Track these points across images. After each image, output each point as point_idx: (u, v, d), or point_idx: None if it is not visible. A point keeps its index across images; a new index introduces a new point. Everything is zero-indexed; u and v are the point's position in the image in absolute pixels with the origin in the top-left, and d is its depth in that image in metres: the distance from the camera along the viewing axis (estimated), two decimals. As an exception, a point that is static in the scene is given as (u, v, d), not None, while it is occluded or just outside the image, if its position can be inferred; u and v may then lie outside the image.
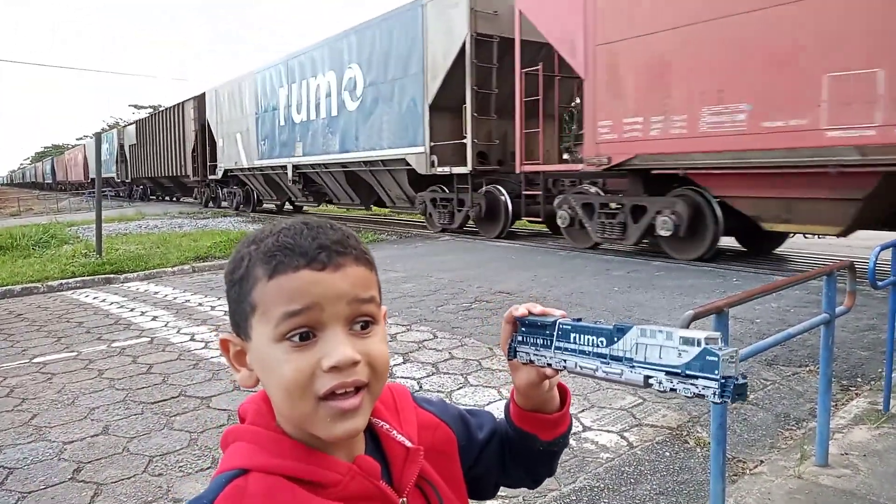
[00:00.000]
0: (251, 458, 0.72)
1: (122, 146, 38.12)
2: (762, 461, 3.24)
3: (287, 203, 22.78)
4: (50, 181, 70.24)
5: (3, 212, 35.99)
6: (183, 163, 26.69)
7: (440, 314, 6.18)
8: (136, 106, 72.18)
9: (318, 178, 17.78)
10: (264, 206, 23.87)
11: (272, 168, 19.63)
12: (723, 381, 0.64)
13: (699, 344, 0.66)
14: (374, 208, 18.78)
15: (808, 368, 4.47)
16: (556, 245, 11.12)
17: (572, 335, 0.81)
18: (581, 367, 0.79)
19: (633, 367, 0.72)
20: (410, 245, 11.94)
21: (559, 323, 0.83)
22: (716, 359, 0.64)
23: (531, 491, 2.93)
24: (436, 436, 0.90)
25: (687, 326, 2.18)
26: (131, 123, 36.42)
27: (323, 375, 0.70)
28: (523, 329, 0.88)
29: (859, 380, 4.24)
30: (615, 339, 0.75)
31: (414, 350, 5.03)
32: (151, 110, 50.50)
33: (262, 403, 0.79)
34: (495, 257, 9.81)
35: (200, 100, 24.51)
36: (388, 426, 0.83)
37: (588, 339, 0.78)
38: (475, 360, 4.71)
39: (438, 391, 4.20)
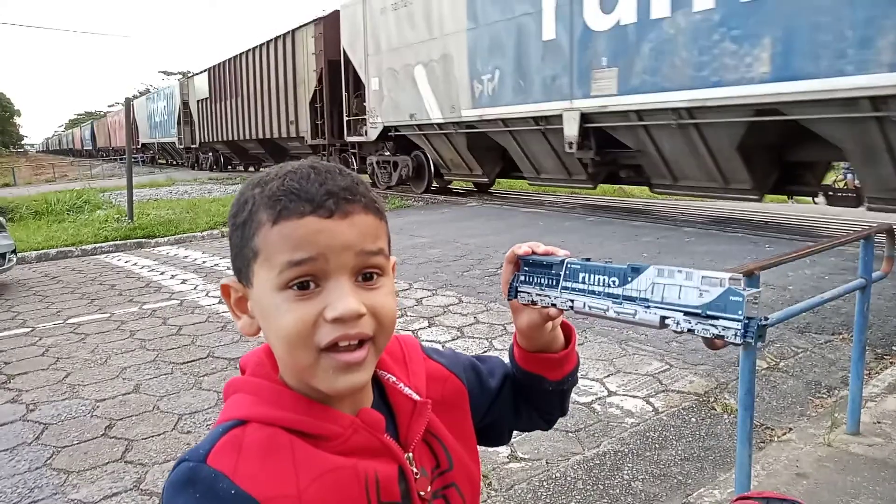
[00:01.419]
0: (250, 408, 0.70)
1: (185, 103, 30.78)
2: (791, 428, 3.19)
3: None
4: (90, 147, 66.08)
5: (39, 178, 36.71)
6: (293, 119, 19.29)
7: (466, 279, 6.16)
8: (165, 72, 72.03)
9: (650, 141, 8.97)
10: (452, 187, 16.06)
11: (511, 121, 11.17)
12: (746, 321, 0.60)
13: (722, 284, 0.62)
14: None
15: (841, 336, 4.37)
16: (584, 211, 10.97)
17: (581, 275, 0.76)
18: (590, 308, 0.74)
19: (648, 307, 0.68)
20: (437, 210, 11.90)
21: (567, 262, 0.78)
22: (740, 299, 0.60)
23: (555, 453, 2.93)
24: (446, 388, 0.87)
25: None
26: (202, 71, 28.22)
27: (325, 326, 0.67)
28: (526, 269, 0.83)
29: (894, 348, 4.13)
30: (629, 279, 0.70)
31: (439, 314, 5.03)
32: (180, 76, 48.62)
33: (262, 355, 0.76)
34: (523, 223, 9.73)
35: (329, 22, 16.66)
36: (394, 379, 0.80)
37: (599, 278, 0.74)
38: (500, 325, 4.69)
39: (463, 355, 4.19)
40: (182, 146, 32.92)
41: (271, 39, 20.52)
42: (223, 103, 25.69)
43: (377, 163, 15.81)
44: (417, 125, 13.61)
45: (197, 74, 29.64)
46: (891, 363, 3.90)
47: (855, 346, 2.95)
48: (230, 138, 25.44)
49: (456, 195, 14.39)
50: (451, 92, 12.24)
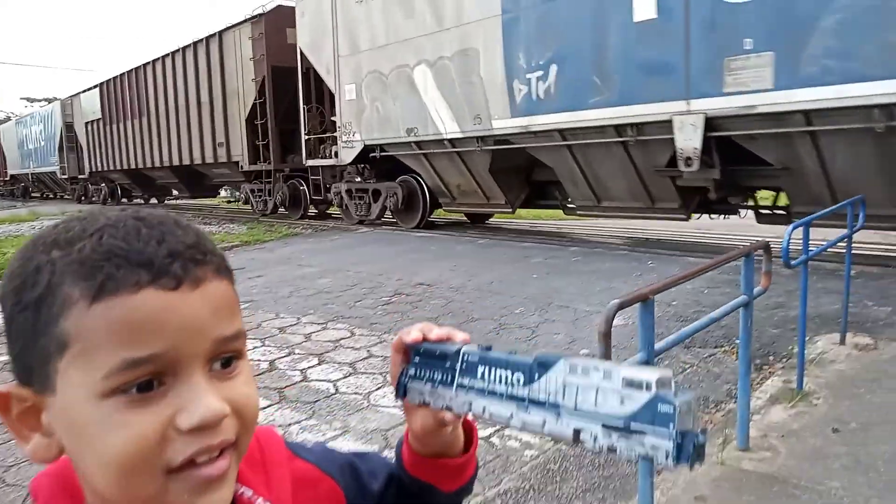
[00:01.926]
0: None
1: (69, 126, 26.16)
2: (685, 447, 3.21)
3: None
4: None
5: None
6: (222, 141, 16.06)
7: (358, 310, 5.94)
8: (29, 99, 66.54)
9: (813, 153, 6.69)
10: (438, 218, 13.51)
11: (575, 132, 8.48)
12: (679, 439, 0.47)
13: (649, 388, 0.49)
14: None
15: (723, 349, 4.52)
16: (476, 234, 11.04)
17: (480, 369, 0.61)
18: (491, 415, 0.60)
19: (559, 415, 0.54)
20: (327, 238, 11.58)
21: (463, 352, 0.64)
22: (670, 409, 0.47)
23: None
24: (318, 493, 0.70)
25: (613, 316, 2.06)
26: (92, 88, 23.41)
27: (178, 439, 0.50)
28: (417, 359, 0.68)
29: (771, 358, 4.32)
30: (536, 376, 0.56)
31: (330, 350, 4.78)
32: (45, 103, 44.47)
33: (63, 476, 0.56)
34: (415, 248, 9.62)
35: (273, 20, 14.06)
36: (250, 493, 0.62)
37: (501, 374, 0.59)
38: (394, 358, 4.51)
39: (356, 393, 3.98)
40: (65, 176, 27.81)
41: (188, 45, 16.94)
42: (121, 125, 21.39)
43: (349, 192, 12.77)
44: (417, 143, 10.71)
45: (85, 92, 24.35)
46: (770, 373, 4.06)
47: (741, 362, 3.01)
48: (131, 166, 21.36)
49: (337, 220, 13.94)
50: (474, 98, 9.44)
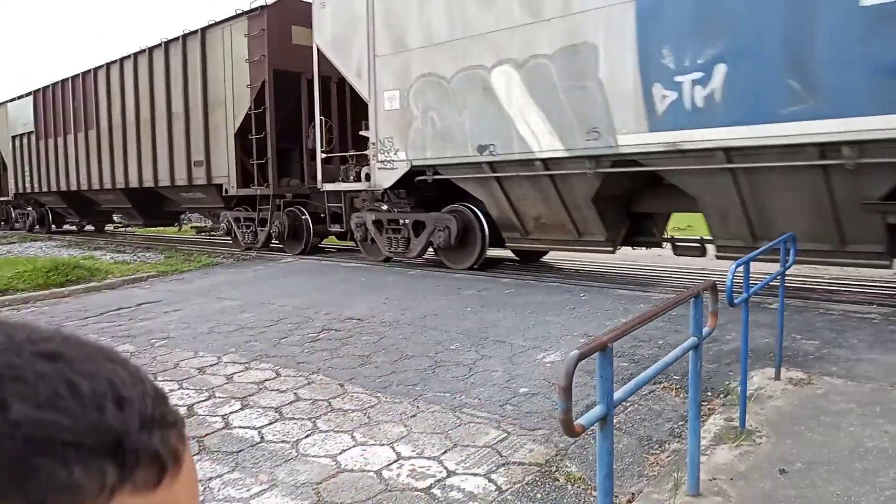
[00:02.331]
0: None
1: None
2: (634, 494, 3.08)
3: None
4: None
5: None
6: (200, 158, 13.53)
7: (283, 347, 5.60)
8: None
9: None
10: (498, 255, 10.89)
11: (748, 151, 6.66)
12: None
13: None
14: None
15: (661, 385, 4.47)
16: (405, 265, 10.82)
17: None
18: None
19: None
20: (249, 268, 11.09)
21: None
22: None
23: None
24: None
25: (573, 369, 1.90)
26: (24, 96, 20.44)
27: None
28: None
29: (709, 394, 4.29)
30: None
31: (254, 393, 4.44)
32: None
33: None
34: (344, 279, 9.31)
35: (277, 15, 11.79)
36: None
37: None
38: (324, 401, 4.22)
39: (283, 441, 3.66)
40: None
41: (156, 45, 14.46)
42: (60, 139, 18.56)
43: (381, 223, 10.27)
44: (492, 164, 8.64)
45: (13, 101, 21.21)
46: (710, 410, 4.02)
47: (691, 404, 2.92)
48: (71, 187, 18.34)
49: (274, 250, 13.40)
50: (587, 107, 7.58)
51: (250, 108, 12.08)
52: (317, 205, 12.02)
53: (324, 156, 11.10)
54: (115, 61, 15.91)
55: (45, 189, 19.80)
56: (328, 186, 11.05)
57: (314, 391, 4.41)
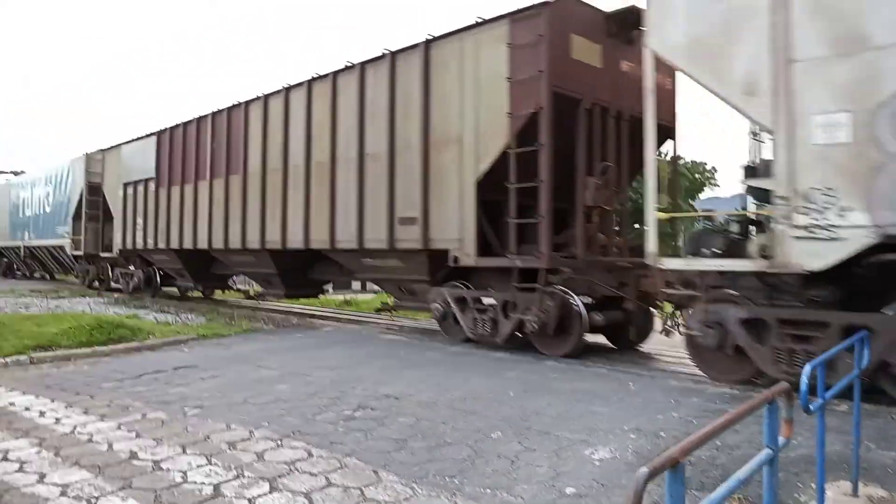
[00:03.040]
0: None
1: (94, 188, 20.76)
2: None
3: None
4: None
5: None
6: (414, 216, 10.38)
7: (317, 424, 5.38)
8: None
9: None
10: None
11: None
12: None
13: None
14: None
15: (736, 498, 4.07)
16: (446, 340, 10.56)
17: None
18: None
19: None
20: (290, 336, 11.01)
21: None
22: None
23: None
24: None
25: (642, 491, 1.66)
26: (143, 137, 18.27)
27: None
28: None
29: (777, 507, 3.89)
30: None
31: (284, 474, 4.21)
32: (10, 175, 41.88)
33: None
34: (383, 353, 9.12)
35: (561, 13, 9.07)
36: None
37: None
38: (356, 489, 3.96)
39: (310, 532, 3.41)
40: (79, 253, 21.41)
41: (346, 68, 11.62)
42: (190, 186, 15.87)
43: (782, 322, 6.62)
44: None
45: (130, 143, 18.83)
46: (778, 527, 3.62)
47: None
48: (202, 244, 15.50)
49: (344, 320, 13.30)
50: None
51: (508, 145, 8.93)
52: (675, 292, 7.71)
53: (662, 215, 7.74)
54: (277, 92, 13.22)
55: (160, 245, 17.19)
56: (675, 263, 7.39)
57: (347, 477, 4.16)
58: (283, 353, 9.04)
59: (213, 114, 15.28)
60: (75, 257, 22.13)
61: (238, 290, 18.96)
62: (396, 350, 9.36)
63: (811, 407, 3.05)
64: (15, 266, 30.30)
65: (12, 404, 6.27)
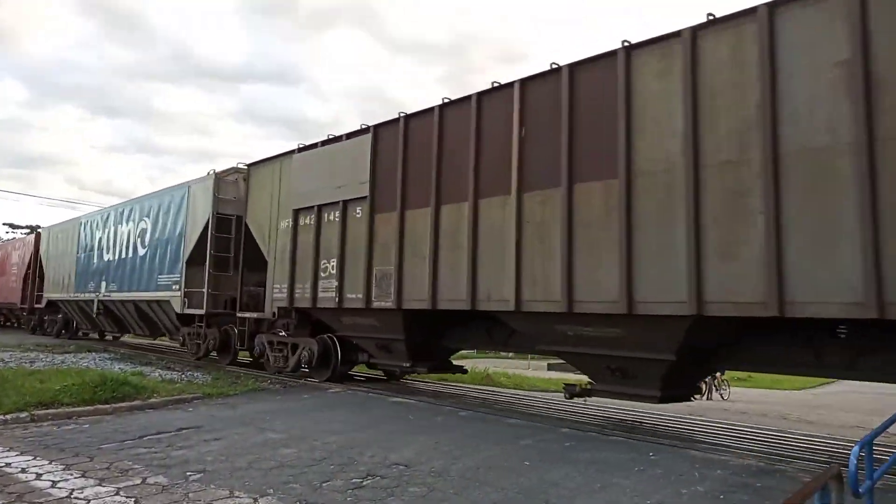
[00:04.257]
0: None
1: (225, 220, 14.62)
2: None
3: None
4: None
5: None
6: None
7: (324, 493, 5.13)
8: (11, 225, 65.01)
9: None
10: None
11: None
12: None
13: None
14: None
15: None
16: (457, 405, 10.28)
17: None
18: None
19: None
20: (296, 397, 10.74)
21: None
22: None
23: None
24: None
25: None
26: (336, 139, 11.65)
27: None
28: None
29: None
30: None
31: (288, 549, 3.96)
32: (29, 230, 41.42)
33: None
34: (392, 416, 8.84)
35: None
36: None
37: None
38: (366, 567, 3.71)
39: None
40: (201, 311, 14.74)
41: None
42: (454, 208, 9.45)
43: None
44: None
45: (306, 150, 12.42)
46: None
47: None
48: (460, 305, 9.19)
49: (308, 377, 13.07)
50: None
51: None
52: None
53: None
54: (661, 37, 7.21)
55: (375, 303, 10.68)
56: None
57: (355, 553, 3.91)
58: (289, 416, 8.78)
59: (493, 88, 9.02)
60: (194, 316, 15.45)
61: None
62: (405, 414, 9.08)
63: (860, 490, 2.83)
64: (74, 324, 23.65)
65: (8, 465, 6.04)
